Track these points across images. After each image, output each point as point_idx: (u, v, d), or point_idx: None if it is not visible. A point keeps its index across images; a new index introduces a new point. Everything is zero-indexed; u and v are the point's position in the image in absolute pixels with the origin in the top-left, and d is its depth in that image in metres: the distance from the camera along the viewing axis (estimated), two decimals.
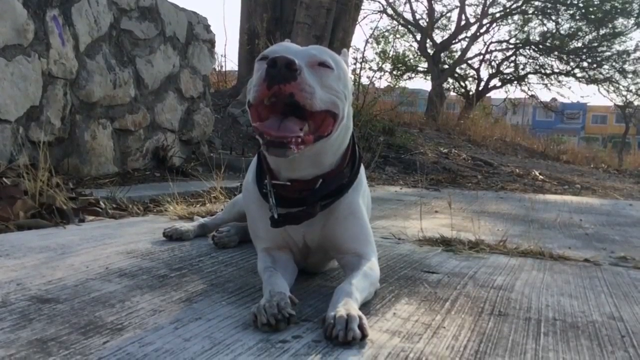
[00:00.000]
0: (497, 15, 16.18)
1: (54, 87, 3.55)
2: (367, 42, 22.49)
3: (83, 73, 3.77)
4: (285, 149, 1.27)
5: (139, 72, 4.28)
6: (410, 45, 17.98)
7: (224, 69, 9.52)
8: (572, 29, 15.85)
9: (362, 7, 10.18)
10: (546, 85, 17.35)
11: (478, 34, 16.32)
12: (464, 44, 16.56)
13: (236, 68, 8.68)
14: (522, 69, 17.40)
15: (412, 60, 18.05)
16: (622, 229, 3.11)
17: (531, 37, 16.64)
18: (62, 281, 1.53)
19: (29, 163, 2.90)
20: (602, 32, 15.45)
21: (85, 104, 3.82)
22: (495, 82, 17.71)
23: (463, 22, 16.10)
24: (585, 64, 16.51)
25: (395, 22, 16.93)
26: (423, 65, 17.60)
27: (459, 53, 16.97)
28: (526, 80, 17.49)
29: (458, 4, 16.19)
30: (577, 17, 15.37)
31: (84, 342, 1.11)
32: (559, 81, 17.14)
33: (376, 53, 17.55)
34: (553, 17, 15.77)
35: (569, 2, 14.94)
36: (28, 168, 2.63)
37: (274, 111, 1.30)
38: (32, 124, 3.42)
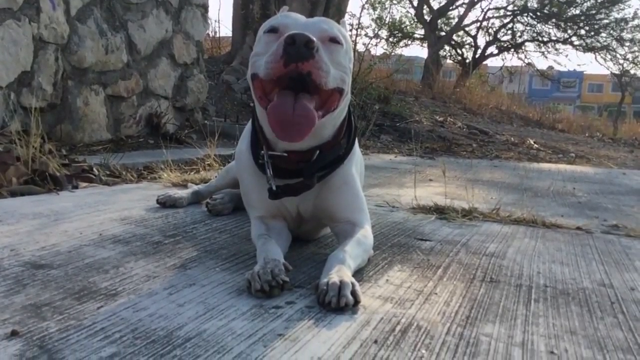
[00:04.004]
0: None
1: (45, 52, 3.49)
2: (363, 7, 22.21)
3: (74, 38, 3.71)
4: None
5: (131, 37, 4.22)
6: (407, 12, 17.78)
7: (217, 35, 9.42)
8: None
9: None
10: (543, 53, 17.25)
11: (476, 0, 16.12)
12: (462, 10, 16.38)
13: (230, 34, 8.55)
14: (520, 37, 17.27)
15: (408, 27, 17.86)
16: (615, 197, 3.13)
17: (529, 4, 16.47)
18: (56, 247, 1.53)
19: (21, 129, 2.87)
20: None
21: (77, 69, 3.77)
22: (492, 49, 17.60)
23: None
24: (582, 32, 16.38)
25: None
26: (420, 32, 17.43)
27: (456, 20, 16.80)
28: (523, 47, 17.38)
29: None
30: None
31: (78, 307, 1.11)
32: (556, 49, 17.06)
33: (372, 19, 17.37)
34: None
35: None
36: (20, 134, 2.61)
37: (279, 84, 1.29)
38: (24, 89, 3.38)
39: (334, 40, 1.34)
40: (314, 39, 1.23)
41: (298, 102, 1.27)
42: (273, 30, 1.36)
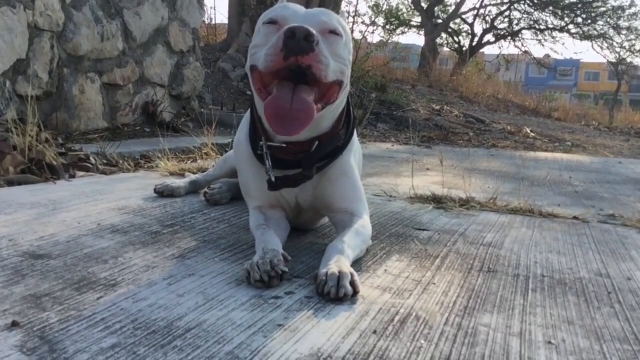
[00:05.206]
0: None
1: (41, 39, 3.47)
2: None
3: (70, 25, 3.68)
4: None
5: (127, 24, 4.19)
6: None
7: (213, 22, 9.36)
8: None
9: None
10: (540, 41, 17.20)
11: None
12: None
13: (226, 21, 8.50)
14: (516, 24, 17.20)
15: (405, 14, 17.79)
16: (611, 186, 3.14)
17: None
18: (54, 237, 1.53)
19: (17, 117, 2.85)
20: None
21: (73, 57, 3.74)
22: (489, 37, 17.53)
23: None
24: (579, 20, 16.34)
25: None
26: (416, 19, 17.35)
27: (452, 7, 16.73)
28: (520, 35, 17.32)
29: None
30: None
31: (78, 298, 1.12)
32: (553, 37, 17.00)
33: (369, 6, 17.28)
34: None
35: None
36: (16, 123, 2.59)
37: (278, 76, 1.28)
38: (19, 77, 3.35)
39: (334, 32, 1.34)
40: (314, 32, 1.22)
41: (296, 95, 1.26)
42: (272, 21, 1.35)
